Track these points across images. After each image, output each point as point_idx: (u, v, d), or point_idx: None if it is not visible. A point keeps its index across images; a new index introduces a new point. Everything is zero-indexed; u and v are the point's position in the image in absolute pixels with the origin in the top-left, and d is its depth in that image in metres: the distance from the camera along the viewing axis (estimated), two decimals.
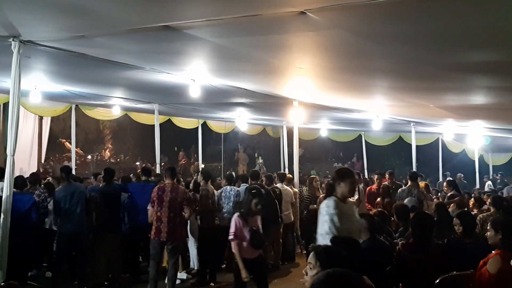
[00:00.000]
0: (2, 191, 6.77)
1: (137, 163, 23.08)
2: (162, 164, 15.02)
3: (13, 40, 6.39)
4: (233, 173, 16.62)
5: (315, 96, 10.73)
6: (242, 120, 16.43)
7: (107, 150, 25.31)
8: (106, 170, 8.84)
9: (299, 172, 11.73)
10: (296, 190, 10.50)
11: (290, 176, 11.03)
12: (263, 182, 9.62)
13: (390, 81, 8.46)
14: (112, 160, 23.88)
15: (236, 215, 5.86)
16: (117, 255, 8.00)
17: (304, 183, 11.14)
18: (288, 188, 10.02)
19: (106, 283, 7.80)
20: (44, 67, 8.90)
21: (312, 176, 10.99)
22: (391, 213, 7.54)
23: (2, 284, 5.80)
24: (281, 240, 9.45)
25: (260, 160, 20.44)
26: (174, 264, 7.11)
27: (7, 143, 6.61)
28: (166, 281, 7.25)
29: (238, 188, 9.04)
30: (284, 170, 14.72)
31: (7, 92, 11.82)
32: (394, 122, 14.77)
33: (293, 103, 10.97)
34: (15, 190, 6.95)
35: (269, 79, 8.73)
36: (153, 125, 13.71)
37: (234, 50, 6.11)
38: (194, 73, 8.44)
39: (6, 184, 6.45)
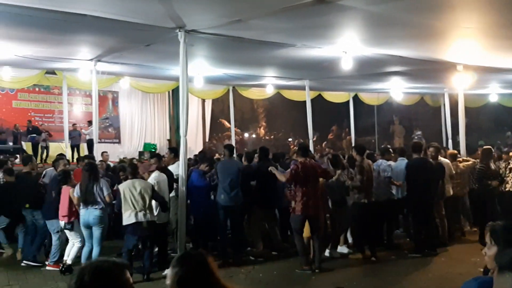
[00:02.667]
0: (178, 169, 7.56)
1: (289, 139, 23.76)
2: (314, 139, 15.15)
3: (179, 31, 7.01)
4: (388, 147, 15.98)
5: (483, 58, 9.59)
6: (397, 90, 15.59)
7: (261, 128, 26.56)
8: (261, 148, 9.13)
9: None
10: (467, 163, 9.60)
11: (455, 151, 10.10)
12: (429, 155, 8.91)
13: None
14: (267, 137, 25.00)
15: None
16: (273, 229, 8.28)
17: (472, 154, 10.11)
18: (447, 160, 9.21)
19: (260, 257, 8.09)
20: (205, 53, 9.62)
21: (486, 147, 9.79)
22: None
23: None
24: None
25: (418, 132, 19.21)
26: (317, 237, 7.09)
27: (178, 125, 7.30)
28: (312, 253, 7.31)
29: (390, 162, 8.63)
30: (447, 141, 13.62)
31: (174, 79, 13.31)
32: None
33: (457, 67, 9.97)
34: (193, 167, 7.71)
35: (428, 43, 8.06)
36: (304, 101, 13.87)
37: (390, 16, 5.77)
38: (346, 45, 8.24)
39: (181, 161, 7.20)
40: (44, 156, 14.46)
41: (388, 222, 8.73)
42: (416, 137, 17.96)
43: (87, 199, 6.58)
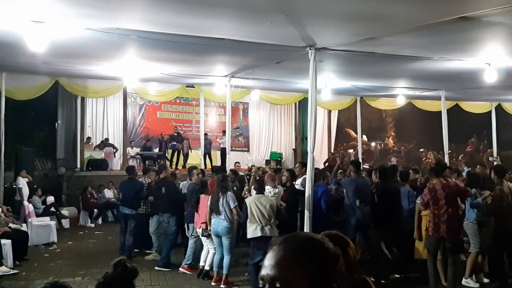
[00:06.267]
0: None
1: (421, 150, 22.43)
2: (449, 152, 14.09)
3: (309, 49, 7.11)
4: None
5: None
6: None
7: (390, 138, 25.49)
8: (381, 168, 8.71)
9: None
10: None
11: None
12: None
13: None
14: (395, 148, 23.90)
15: None
16: (391, 250, 7.87)
17: None
18: None
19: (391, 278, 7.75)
20: (333, 68, 9.64)
21: None
22: None
23: None
24: None
25: None
26: (454, 263, 6.58)
27: (303, 135, 7.34)
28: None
29: None
30: None
31: (301, 91, 13.53)
32: None
33: None
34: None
35: None
36: (438, 112, 13.03)
37: None
38: (490, 57, 7.57)
39: (308, 177, 7.26)
40: (183, 162, 15.83)
41: None
42: None
43: (213, 209, 6.99)
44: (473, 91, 12.44)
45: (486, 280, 7.38)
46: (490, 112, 16.24)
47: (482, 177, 7.88)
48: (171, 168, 14.09)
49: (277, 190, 7.60)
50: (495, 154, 16.80)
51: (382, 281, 7.23)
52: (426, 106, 15.73)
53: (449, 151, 14.08)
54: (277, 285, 1.08)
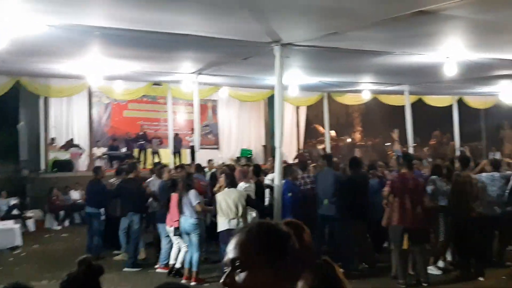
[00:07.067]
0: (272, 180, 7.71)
1: (387, 144, 22.91)
2: (414, 145, 14.49)
3: (275, 45, 7.17)
4: (498, 155, 14.78)
5: None
6: (508, 93, 14.36)
7: (357, 133, 25.91)
8: (352, 158, 8.90)
9: None
10: None
11: None
12: None
13: None
14: (362, 143, 24.31)
15: None
16: (364, 242, 8.03)
17: None
18: None
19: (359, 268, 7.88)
20: (300, 64, 9.71)
21: None
22: None
23: None
24: None
25: None
26: (421, 252, 6.82)
27: (273, 132, 7.44)
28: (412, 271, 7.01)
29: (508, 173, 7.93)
30: None
31: (269, 87, 13.58)
32: None
33: None
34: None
35: None
36: (403, 106, 13.36)
37: (500, 23, 5.37)
38: (449, 51, 7.82)
39: (277, 172, 7.33)
40: (156, 160, 15.58)
41: (501, 238, 8.10)
42: None
43: (179, 207, 6.98)
44: (435, 85, 12.82)
45: (448, 267, 7.63)
46: (451, 106, 16.78)
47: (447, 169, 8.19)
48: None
49: (248, 185, 7.61)
50: (457, 146, 17.35)
51: (352, 272, 7.38)
52: (390, 101, 16.07)
53: (415, 144, 14.48)
54: (237, 264, 1.19)
